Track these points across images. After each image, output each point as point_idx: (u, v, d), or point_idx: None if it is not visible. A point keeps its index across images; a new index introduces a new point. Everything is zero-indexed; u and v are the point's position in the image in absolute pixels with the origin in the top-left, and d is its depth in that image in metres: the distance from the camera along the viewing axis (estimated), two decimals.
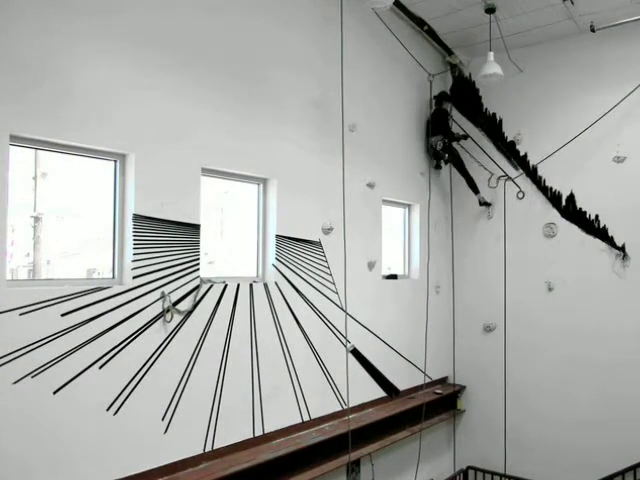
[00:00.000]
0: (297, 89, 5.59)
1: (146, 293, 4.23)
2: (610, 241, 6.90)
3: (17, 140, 3.62)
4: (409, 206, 7.56)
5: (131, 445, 4.09)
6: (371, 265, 6.54)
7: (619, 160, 6.86)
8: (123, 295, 4.08)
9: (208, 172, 4.82)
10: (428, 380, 7.38)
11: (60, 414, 3.70)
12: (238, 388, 4.90)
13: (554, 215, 7.29)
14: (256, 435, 5.03)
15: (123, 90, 4.11)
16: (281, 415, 5.29)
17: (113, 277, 4.21)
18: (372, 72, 6.62)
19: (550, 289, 7.26)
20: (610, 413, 6.75)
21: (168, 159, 4.40)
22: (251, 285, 5.10)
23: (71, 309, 3.77)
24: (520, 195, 7.44)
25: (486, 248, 7.74)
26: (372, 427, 6.08)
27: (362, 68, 6.33)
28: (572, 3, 6.32)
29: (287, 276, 5.42)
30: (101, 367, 3.92)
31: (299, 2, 5.66)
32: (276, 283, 5.30)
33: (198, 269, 4.63)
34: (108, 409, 3.96)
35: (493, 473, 7.48)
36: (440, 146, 7.27)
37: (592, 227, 7.01)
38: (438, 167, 7.57)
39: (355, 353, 6.16)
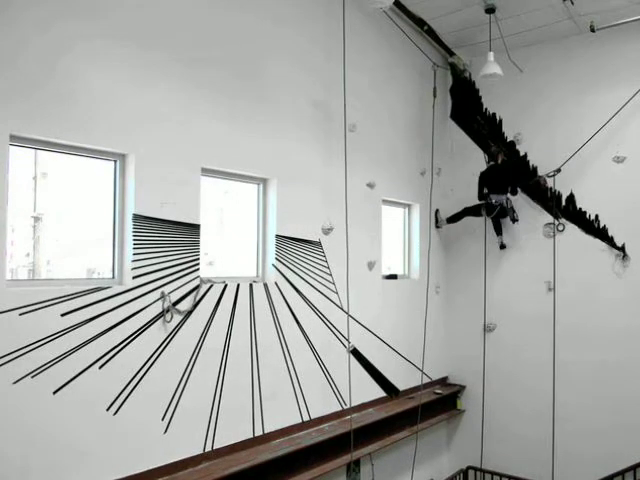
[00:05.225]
0: (297, 89, 5.59)
1: (146, 293, 4.23)
2: (610, 241, 6.90)
3: (17, 140, 3.62)
4: (409, 206, 7.56)
5: (131, 445, 4.09)
6: (371, 265, 6.54)
7: (619, 160, 6.86)
8: (123, 295, 4.08)
9: (208, 172, 4.82)
10: (428, 380, 7.39)
11: (60, 414, 3.70)
12: (238, 388, 4.90)
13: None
14: (256, 435, 5.03)
15: (123, 90, 4.12)
16: (281, 415, 5.29)
17: (113, 277, 4.21)
18: (372, 72, 6.63)
19: (550, 289, 7.26)
20: (610, 413, 6.74)
21: (168, 159, 4.41)
22: (251, 285, 5.10)
23: (71, 309, 3.77)
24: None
25: (486, 248, 7.72)
26: (372, 427, 6.08)
27: (362, 67, 6.33)
28: (572, 3, 6.32)
29: (287, 276, 5.42)
30: (101, 367, 3.92)
31: (300, 1, 5.66)
32: (276, 283, 5.30)
33: (198, 269, 4.63)
34: (108, 409, 3.96)
35: (493, 473, 7.48)
36: (510, 204, 7.16)
37: (592, 227, 7.00)
38: (497, 219, 7.41)
39: (355, 353, 6.16)
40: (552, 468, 7.04)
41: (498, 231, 7.45)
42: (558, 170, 7.16)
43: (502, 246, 7.50)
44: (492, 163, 7.48)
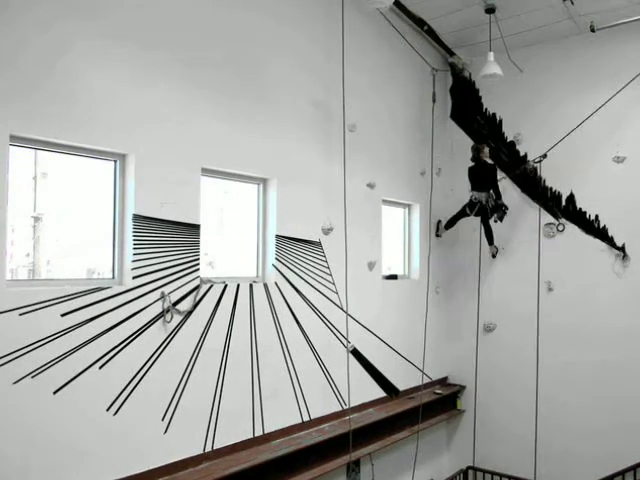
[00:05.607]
0: (297, 89, 5.59)
1: (146, 293, 4.23)
2: (610, 241, 6.90)
3: (17, 140, 3.62)
4: (409, 206, 7.56)
5: (131, 445, 4.09)
6: (371, 265, 6.54)
7: (619, 160, 6.86)
8: (123, 295, 4.08)
9: (208, 172, 4.82)
10: (428, 380, 7.38)
11: (60, 414, 3.70)
12: (238, 388, 4.90)
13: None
14: (256, 435, 5.03)
15: (123, 90, 4.12)
16: (281, 415, 5.29)
17: (113, 277, 4.21)
18: (372, 71, 6.62)
19: (550, 289, 7.26)
20: (610, 413, 6.74)
21: (168, 159, 4.41)
22: (251, 285, 5.09)
23: (71, 309, 3.77)
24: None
25: (486, 248, 7.72)
26: (372, 427, 6.08)
27: (362, 67, 6.33)
28: (572, 3, 6.32)
29: (287, 276, 5.41)
30: (101, 367, 3.92)
31: (300, 1, 5.66)
32: (276, 283, 5.30)
33: (198, 269, 4.63)
34: (108, 409, 3.96)
35: (493, 473, 7.48)
36: (492, 204, 7.04)
37: (592, 227, 7.00)
38: (485, 220, 7.28)
39: (355, 353, 6.16)
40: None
41: (490, 239, 7.40)
42: (544, 156, 7.16)
43: (493, 255, 7.53)
44: (476, 159, 7.24)
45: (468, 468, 7.68)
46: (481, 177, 7.15)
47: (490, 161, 7.28)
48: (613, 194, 6.88)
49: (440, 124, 7.77)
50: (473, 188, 7.16)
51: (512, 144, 7.59)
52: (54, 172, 4.19)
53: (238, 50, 5.01)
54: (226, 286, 4.86)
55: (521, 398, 7.37)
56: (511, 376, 7.48)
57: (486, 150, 7.20)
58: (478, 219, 7.39)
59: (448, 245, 8.00)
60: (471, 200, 7.15)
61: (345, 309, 5.83)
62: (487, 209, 7.09)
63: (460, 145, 7.93)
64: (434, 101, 7.42)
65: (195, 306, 4.58)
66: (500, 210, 7.13)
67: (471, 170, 7.27)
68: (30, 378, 3.56)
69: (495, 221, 7.26)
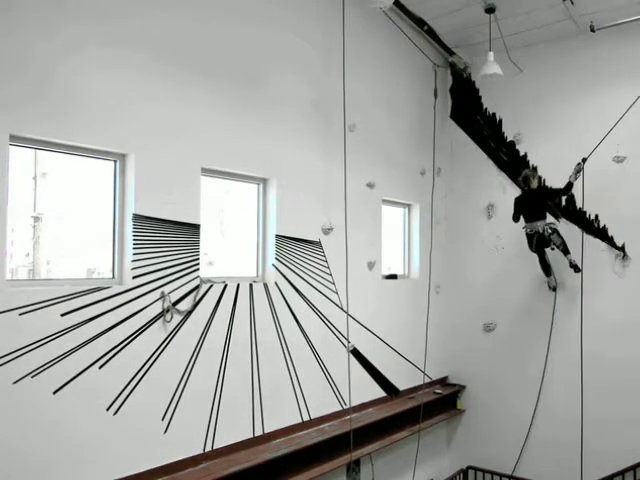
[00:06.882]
0: (297, 89, 5.59)
1: (146, 293, 4.24)
2: (610, 241, 6.89)
3: (17, 140, 3.62)
4: (409, 206, 7.56)
5: (131, 445, 4.09)
6: (371, 265, 6.54)
7: (619, 160, 6.85)
8: (123, 295, 4.09)
9: (208, 172, 4.83)
10: (428, 380, 7.38)
11: (60, 414, 3.70)
12: (238, 388, 4.90)
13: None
14: (256, 435, 5.03)
15: (123, 91, 4.12)
16: (281, 415, 5.29)
17: (113, 277, 4.21)
18: (372, 71, 6.62)
19: (550, 289, 7.25)
20: (610, 413, 6.73)
21: (168, 159, 4.41)
22: (251, 285, 5.10)
23: (71, 309, 3.77)
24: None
25: (486, 248, 7.72)
26: (372, 427, 6.08)
27: (362, 67, 6.32)
28: (572, 3, 6.32)
29: (287, 276, 5.42)
30: (101, 367, 3.92)
31: (299, 2, 5.66)
32: (276, 283, 5.31)
33: (198, 269, 4.64)
34: (108, 409, 3.97)
35: (493, 473, 7.48)
36: (548, 232, 6.50)
37: (592, 227, 6.99)
38: (541, 252, 6.80)
39: (355, 353, 6.16)
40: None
41: (546, 271, 6.95)
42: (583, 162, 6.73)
43: (553, 288, 7.12)
44: (526, 189, 6.78)
45: (468, 468, 7.68)
46: (532, 205, 6.65)
47: (535, 185, 6.79)
48: (613, 194, 6.87)
49: (440, 123, 7.76)
50: (527, 220, 6.66)
51: (512, 144, 7.59)
52: (54, 172, 4.19)
53: (239, 51, 5.00)
54: (226, 286, 4.86)
55: (521, 398, 7.36)
56: (511, 376, 7.46)
57: (535, 177, 6.82)
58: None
59: (448, 245, 8.00)
60: (527, 234, 6.68)
61: (345, 309, 5.83)
62: (546, 237, 6.54)
63: (460, 145, 7.94)
64: (436, 97, 7.41)
65: (195, 306, 4.58)
66: (558, 239, 6.54)
67: (519, 201, 6.78)
68: (30, 378, 3.56)
69: (552, 249, 6.71)
